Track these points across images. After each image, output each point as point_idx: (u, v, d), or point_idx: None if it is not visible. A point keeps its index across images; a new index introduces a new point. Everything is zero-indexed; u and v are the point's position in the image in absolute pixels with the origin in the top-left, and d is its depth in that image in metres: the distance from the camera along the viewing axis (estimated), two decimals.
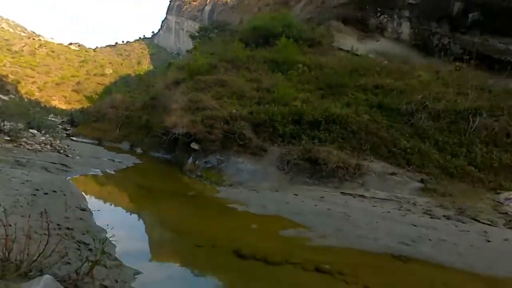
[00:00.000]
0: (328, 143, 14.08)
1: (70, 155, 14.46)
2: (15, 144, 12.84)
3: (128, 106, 29.01)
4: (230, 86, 20.37)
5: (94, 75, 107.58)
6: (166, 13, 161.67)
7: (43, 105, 51.43)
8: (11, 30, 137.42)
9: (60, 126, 29.40)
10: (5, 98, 52.73)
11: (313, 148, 13.33)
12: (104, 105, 31.51)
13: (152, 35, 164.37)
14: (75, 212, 6.43)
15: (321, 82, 20.86)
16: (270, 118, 15.65)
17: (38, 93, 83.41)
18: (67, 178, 10.05)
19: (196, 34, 36.86)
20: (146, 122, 25.22)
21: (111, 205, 8.97)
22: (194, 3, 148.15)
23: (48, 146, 14.93)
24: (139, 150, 22.88)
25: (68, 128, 31.06)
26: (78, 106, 75.65)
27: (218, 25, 35.31)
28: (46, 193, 7.14)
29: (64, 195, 7.47)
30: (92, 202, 7.84)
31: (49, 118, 31.31)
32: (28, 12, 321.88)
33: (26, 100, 50.47)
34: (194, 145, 15.60)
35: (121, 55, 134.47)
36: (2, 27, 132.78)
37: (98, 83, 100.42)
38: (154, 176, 14.08)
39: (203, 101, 18.50)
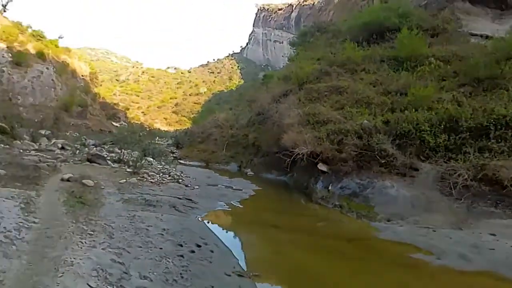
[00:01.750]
0: (505, 155, 10.99)
1: (189, 185, 13.97)
2: (138, 177, 12.68)
3: (233, 125, 28.84)
4: (350, 93, 18.22)
5: (190, 95, 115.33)
6: (253, 26, 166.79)
7: (148, 128, 55.64)
8: (118, 62, 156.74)
9: (167, 150, 30.50)
10: (117, 124, 58.61)
11: (488, 164, 10.42)
12: (208, 125, 31.99)
13: (240, 50, 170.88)
14: (234, 280, 5.10)
15: (463, 77, 17.43)
16: (415, 127, 13.06)
17: (142, 117, 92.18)
18: (199, 219, 9.11)
19: (296, 40, 35.70)
20: (253, 141, 24.48)
21: (260, 261, 7.36)
22: (280, 11, 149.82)
23: (167, 176, 14.71)
24: (249, 172, 22.03)
25: (175, 151, 32.23)
26: (178, 126, 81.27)
27: (319, 27, 33.51)
28: (192, 251, 5.99)
29: (211, 251, 6.27)
30: (244, 259, 6.49)
31: (156, 142, 32.88)
32: (130, 44, 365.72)
33: (134, 125, 55.16)
34: (322, 166, 13.79)
35: (213, 72, 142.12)
36: (111, 60, 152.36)
37: (195, 102, 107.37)
38: (282, 208, 12.59)
39: (323, 113, 16.71)
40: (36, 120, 37.05)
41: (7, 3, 56.55)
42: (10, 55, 46.17)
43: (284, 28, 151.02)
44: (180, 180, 14.50)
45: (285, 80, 27.27)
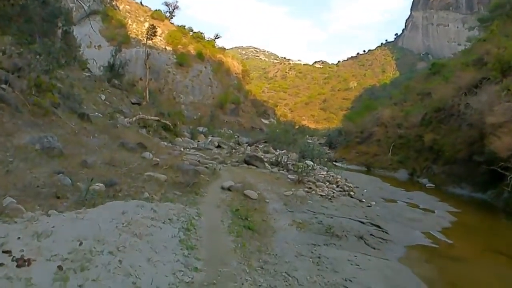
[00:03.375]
0: None
1: (363, 200, 11.41)
2: (304, 188, 10.75)
3: (400, 123, 24.87)
4: None
5: (339, 90, 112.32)
6: (411, 10, 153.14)
7: (296, 126, 55.18)
8: (266, 59, 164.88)
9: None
10: (266, 121, 60.05)
11: None
12: (368, 123, 28.65)
13: (395, 38, 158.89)
14: None
15: None
16: None
17: (290, 114, 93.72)
18: (399, 261, 6.49)
19: (487, 14, 28.99)
20: (431, 144, 20.23)
21: None
22: None
23: (335, 186, 12.46)
24: (428, 184, 18.04)
25: (327, 151, 29.94)
26: (326, 124, 79.43)
27: None
28: None
29: None
30: None
31: (308, 141, 31.22)
32: (278, 41, 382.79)
33: (283, 122, 55.44)
34: None
35: (363, 65, 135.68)
36: (260, 58, 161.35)
37: (344, 98, 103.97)
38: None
39: None
40: (194, 117, 40.19)
41: (174, 10, 63.86)
42: (174, 56, 51.89)
43: (451, 8, 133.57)
44: (351, 193, 12.02)
45: (476, 66, 21.95)
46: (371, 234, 7.77)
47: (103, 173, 7.81)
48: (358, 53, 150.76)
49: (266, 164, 15.55)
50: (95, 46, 51.36)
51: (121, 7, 60.92)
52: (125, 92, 25.02)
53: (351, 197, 11.66)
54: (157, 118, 20.36)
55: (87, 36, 50.93)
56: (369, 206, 10.92)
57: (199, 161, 12.73)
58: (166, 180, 8.58)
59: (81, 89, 18.27)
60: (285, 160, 16.22)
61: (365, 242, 7.14)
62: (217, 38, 63.65)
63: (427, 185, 17.84)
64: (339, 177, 14.93)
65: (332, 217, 8.48)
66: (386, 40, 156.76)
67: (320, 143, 35.12)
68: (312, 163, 17.25)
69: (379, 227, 8.44)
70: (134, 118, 18.48)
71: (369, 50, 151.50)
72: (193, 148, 18.31)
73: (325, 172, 15.28)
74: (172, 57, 52.18)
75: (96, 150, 9.48)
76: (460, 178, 17.12)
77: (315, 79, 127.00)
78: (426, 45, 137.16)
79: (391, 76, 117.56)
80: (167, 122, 21.33)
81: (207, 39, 62.13)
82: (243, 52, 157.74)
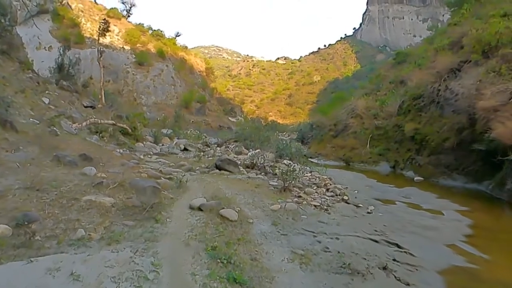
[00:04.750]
0: None
1: (360, 205, 9.48)
2: (293, 198, 8.63)
3: (377, 113, 23.36)
4: None
5: (303, 84, 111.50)
6: (367, 4, 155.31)
7: (265, 122, 53.13)
8: (229, 57, 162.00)
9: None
10: (233, 120, 57.73)
11: None
12: (342, 115, 27.02)
13: (353, 32, 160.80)
14: None
15: None
16: None
17: (257, 111, 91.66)
18: None
19: None
20: (413, 133, 18.77)
21: None
22: None
23: (324, 190, 10.44)
24: (415, 177, 16.50)
25: (300, 147, 28.09)
26: (293, 119, 78.05)
27: None
28: None
29: None
30: None
31: (281, 138, 29.25)
32: (239, 38, 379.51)
33: (252, 119, 53.33)
34: None
35: (325, 59, 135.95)
36: (223, 56, 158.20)
37: (308, 92, 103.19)
38: None
39: None
40: (158, 119, 37.23)
41: (131, 8, 59.95)
42: (133, 56, 48.38)
43: (405, 1, 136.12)
44: (345, 198, 10.05)
45: (452, 50, 20.73)
46: (394, 260, 5.77)
47: (19, 204, 5.35)
48: (319, 48, 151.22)
49: (241, 168, 13.36)
50: (45, 48, 46.92)
51: (73, 6, 56.39)
52: (76, 95, 21.90)
53: (347, 202, 9.69)
54: (112, 122, 17.61)
55: (35, 37, 46.57)
56: (369, 213, 9.02)
57: (161, 170, 10.32)
58: (113, 205, 6.22)
59: (18, 92, 15.26)
60: (262, 162, 14.08)
61: (394, 276, 5.11)
62: (178, 36, 60.56)
63: (415, 178, 16.29)
64: (325, 177, 12.99)
65: (338, 238, 6.42)
66: (346, 34, 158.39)
67: (291, 139, 33.22)
68: (291, 163, 15.28)
69: (398, 246, 6.46)
70: (84, 123, 15.69)
71: (330, 44, 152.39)
72: (155, 154, 15.78)
73: (309, 174, 13.26)
74: (131, 56, 48.66)
75: (17, 168, 6.91)
76: (450, 168, 15.71)
77: (279, 75, 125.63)
78: (384, 37, 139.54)
79: (353, 68, 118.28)
80: (125, 125, 18.61)
81: (167, 37, 58.86)
82: (206, 51, 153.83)
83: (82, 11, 56.16)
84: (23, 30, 39.82)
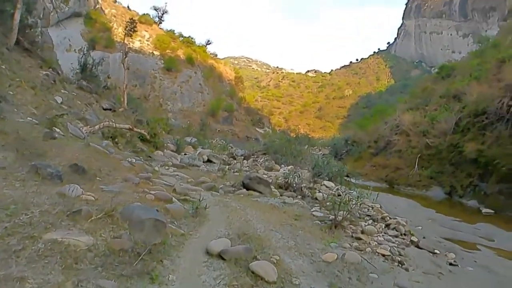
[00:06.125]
0: None
1: (436, 251, 7.01)
2: (355, 242, 6.23)
3: (426, 130, 20.56)
4: None
5: (333, 98, 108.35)
6: (403, 19, 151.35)
7: (296, 134, 50.48)
8: (258, 69, 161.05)
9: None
10: (261, 131, 55.62)
11: None
12: (383, 131, 24.31)
13: (387, 47, 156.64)
14: None
15: None
16: None
17: (284, 123, 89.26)
18: None
19: None
20: (476, 155, 15.95)
21: None
22: None
23: (383, 226, 7.97)
24: (483, 209, 13.68)
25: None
26: (322, 133, 75.15)
27: None
28: None
29: None
30: None
31: (317, 153, 26.77)
32: (270, 51, 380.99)
33: (282, 132, 51.03)
34: None
35: (356, 74, 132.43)
36: (252, 68, 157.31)
37: (339, 106, 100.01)
38: None
39: None
40: (183, 126, 35.59)
41: (163, 14, 59.39)
42: (162, 61, 47.37)
43: (444, 15, 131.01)
44: (413, 238, 7.55)
45: None
46: None
47: None
48: (351, 62, 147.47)
49: (273, 188, 11.06)
50: (75, 50, 46.51)
51: (106, 11, 56.51)
52: (96, 96, 20.42)
53: (418, 247, 7.18)
54: (128, 126, 15.77)
55: (66, 39, 46.40)
56: (453, 265, 6.50)
57: (175, 189, 8.16)
58: (90, 249, 4.06)
59: (28, 88, 13.70)
60: (298, 182, 11.73)
61: None
62: (209, 44, 59.47)
63: (483, 210, 13.45)
64: (378, 206, 10.48)
65: None
66: (379, 49, 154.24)
67: (323, 154, 30.62)
68: (334, 185, 12.86)
69: None
70: (97, 127, 13.91)
71: (362, 58, 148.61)
72: (174, 166, 13.71)
73: (355, 200, 10.76)
74: (159, 61, 47.69)
75: None
76: None
77: (309, 88, 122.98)
78: (419, 53, 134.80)
79: (386, 83, 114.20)
80: (143, 131, 16.75)
81: (198, 45, 57.87)
82: (235, 62, 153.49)
83: (114, 16, 56.13)
84: (54, 32, 39.60)
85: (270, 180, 11.86)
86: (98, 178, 7.05)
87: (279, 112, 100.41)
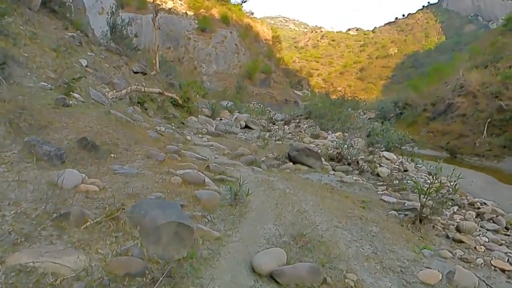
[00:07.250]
0: None
1: None
2: (457, 249, 4.52)
3: (499, 91, 17.79)
4: None
5: (376, 58, 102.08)
6: None
7: (332, 97, 47.66)
8: (296, 28, 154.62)
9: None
10: (299, 93, 53.19)
11: None
12: (443, 92, 21.58)
13: (438, 0, 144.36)
14: None
15: None
16: None
17: (323, 85, 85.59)
18: None
19: None
20: None
21: None
22: None
23: (473, 214, 6.19)
24: None
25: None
26: (364, 95, 71.17)
27: None
28: None
29: None
30: None
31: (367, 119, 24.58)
32: (308, 8, 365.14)
33: (322, 94, 48.46)
34: None
35: (402, 30, 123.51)
36: (290, 27, 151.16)
37: (383, 66, 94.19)
38: None
39: None
40: (218, 90, 34.09)
41: None
42: (196, 22, 45.34)
43: None
44: None
45: None
46: None
47: None
48: (396, 18, 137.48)
49: (323, 161, 9.40)
50: (107, 13, 45.53)
51: None
52: (125, 59, 19.14)
53: None
54: (158, 90, 14.43)
55: (98, 2, 45.35)
56: None
57: (208, 166, 6.70)
58: (80, 278, 2.68)
59: (49, 50, 12.52)
60: (353, 153, 9.98)
61: None
62: (244, 1, 56.43)
63: None
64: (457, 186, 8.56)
65: None
66: (429, 3, 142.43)
67: (369, 118, 28.19)
68: (390, 153, 11.01)
69: None
70: (124, 91, 12.65)
71: (409, 14, 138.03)
72: (208, 134, 12.31)
73: (425, 176, 8.92)
74: (193, 22, 45.69)
75: None
76: None
77: (350, 47, 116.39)
78: (476, 5, 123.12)
79: (436, 41, 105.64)
80: (175, 95, 15.40)
81: (233, 3, 55.13)
82: (272, 22, 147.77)
83: None
84: None
85: (319, 151, 10.18)
86: (112, 155, 5.69)
87: (318, 73, 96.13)
